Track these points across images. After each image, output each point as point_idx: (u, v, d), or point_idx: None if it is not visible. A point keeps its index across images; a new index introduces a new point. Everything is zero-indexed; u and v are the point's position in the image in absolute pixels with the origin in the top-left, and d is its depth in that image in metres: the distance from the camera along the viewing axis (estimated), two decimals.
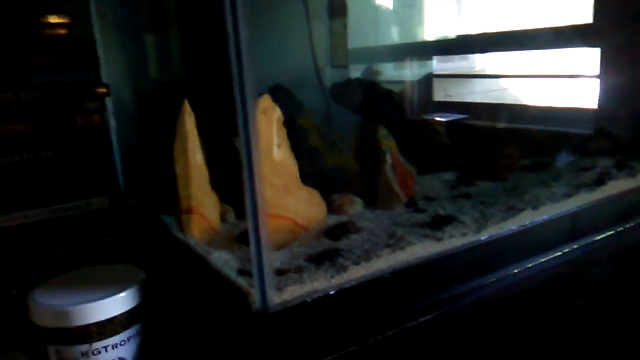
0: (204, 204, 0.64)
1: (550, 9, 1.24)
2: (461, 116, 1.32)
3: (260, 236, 0.47)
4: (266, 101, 0.64)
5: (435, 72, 1.45)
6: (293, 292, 0.50)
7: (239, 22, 0.44)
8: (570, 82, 1.21)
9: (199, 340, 0.55)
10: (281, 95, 0.76)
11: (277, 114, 0.65)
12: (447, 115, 1.36)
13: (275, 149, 0.65)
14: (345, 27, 0.95)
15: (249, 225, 0.47)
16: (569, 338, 0.81)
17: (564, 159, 0.91)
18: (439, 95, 1.46)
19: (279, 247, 0.62)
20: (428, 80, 1.45)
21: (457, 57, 1.58)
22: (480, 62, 1.60)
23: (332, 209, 0.73)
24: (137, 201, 0.82)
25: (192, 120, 0.63)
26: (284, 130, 0.66)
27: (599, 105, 1.03)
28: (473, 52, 1.52)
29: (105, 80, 0.88)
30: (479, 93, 1.51)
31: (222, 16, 0.45)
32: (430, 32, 1.47)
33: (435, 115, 1.37)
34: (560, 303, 0.80)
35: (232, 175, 0.65)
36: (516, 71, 1.37)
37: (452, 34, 1.40)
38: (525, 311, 0.76)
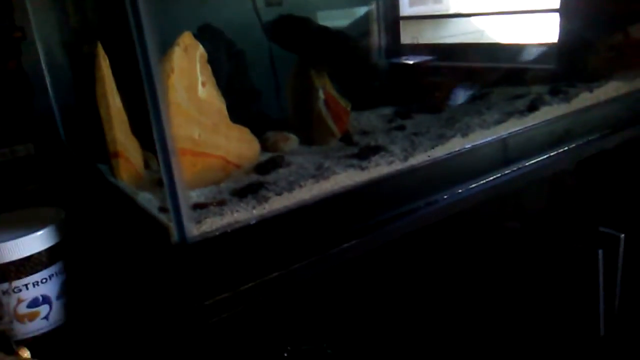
0: (127, 148, 0.64)
1: None
2: (427, 57, 1.32)
3: (172, 171, 0.48)
4: (187, 38, 0.63)
5: (405, 15, 1.44)
6: (212, 224, 0.51)
7: None
8: (538, 18, 1.21)
9: (124, 273, 0.56)
10: (209, 34, 0.75)
11: (199, 51, 0.64)
12: (413, 57, 1.36)
13: (200, 87, 0.64)
14: None
15: (160, 161, 0.48)
16: (503, 261, 0.84)
17: (500, 89, 0.92)
18: (406, 38, 1.45)
19: (211, 184, 0.63)
20: (394, 23, 1.44)
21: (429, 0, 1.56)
22: (454, 4, 1.59)
23: (266, 146, 0.74)
24: (77, 150, 0.82)
25: (106, 63, 0.62)
26: (209, 68, 0.65)
27: (559, 38, 1.04)
28: None
29: (35, 31, 0.86)
30: (452, 35, 1.51)
31: None
32: None
33: (402, 57, 1.37)
34: (494, 226, 0.84)
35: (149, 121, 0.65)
36: (484, 11, 1.36)
37: None
38: (458, 235, 0.79)
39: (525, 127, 0.77)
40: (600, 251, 0.85)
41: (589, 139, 0.84)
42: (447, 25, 1.53)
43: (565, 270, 0.87)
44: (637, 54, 1.00)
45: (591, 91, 0.86)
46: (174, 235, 0.49)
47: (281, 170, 0.64)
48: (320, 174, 0.60)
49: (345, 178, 0.60)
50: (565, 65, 1.03)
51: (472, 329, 0.85)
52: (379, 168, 0.63)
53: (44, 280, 0.50)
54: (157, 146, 0.47)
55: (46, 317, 0.53)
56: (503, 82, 0.97)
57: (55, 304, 0.53)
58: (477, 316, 0.86)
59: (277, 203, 0.55)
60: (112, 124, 0.62)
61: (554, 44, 1.06)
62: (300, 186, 0.57)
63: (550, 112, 0.81)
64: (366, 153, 0.65)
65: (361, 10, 1.37)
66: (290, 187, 0.57)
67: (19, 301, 0.49)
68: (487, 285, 0.84)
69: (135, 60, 0.46)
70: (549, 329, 0.89)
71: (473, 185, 0.71)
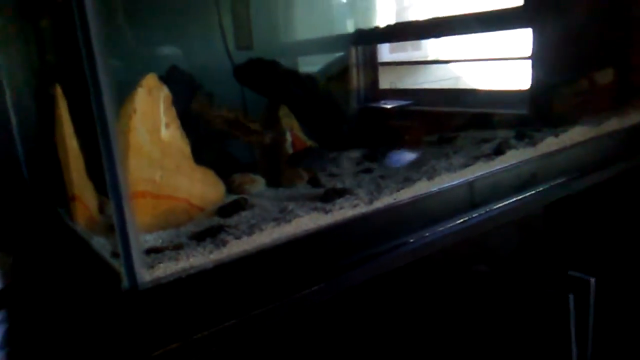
0: (84, 192, 0.63)
1: None
2: (403, 102, 1.35)
3: (124, 215, 0.46)
4: (151, 80, 0.62)
5: (384, 61, 1.47)
6: (166, 269, 0.50)
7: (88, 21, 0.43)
8: (515, 65, 1.24)
9: (73, 321, 0.54)
10: (176, 77, 0.75)
11: (163, 92, 0.64)
12: (390, 101, 1.38)
13: (163, 128, 0.64)
14: (247, 7, 0.95)
15: (112, 206, 0.46)
16: (472, 306, 0.83)
17: (469, 134, 0.93)
18: (384, 84, 1.48)
19: (173, 228, 0.62)
20: (373, 68, 1.47)
21: (409, 46, 1.60)
22: (433, 51, 1.63)
23: (232, 188, 0.73)
24: (40, 193, 0.80)
25: (64, 105, 0.61)
26: (173, 110, 0.65)
27: (532, 84, 1.06)
28: (408, 39, 1.54)
29: (3, 72, 0.85)
30: (430, 81, 1.54)
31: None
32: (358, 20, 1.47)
33: (380, 102, 1.39)
34: (462, 270, 0.83)
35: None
36: (462, 58, 1.40)
37: (386, 22, 1.41)
38: (425, 279, 0.78)
39: (492, 171, 0.78)
40: (571, 296, 0.85)
41: (556, 182, 0.85)
42: (425, 71, 1.57)
43: (536, 315, 0.85)
44: (602, 100, 1.03)
45: (557, 136, 0.87)
46: (124, 281, 0.47)
47: (244, 213, 0.63)
48: (282, 217, 0.59)
49: (308, 221, 0.59)
50: (536, 110, 1.05)
51: None
52: (343, 211, 0.62)
53: None
54: (109, 189, 0.46)
55: None
56: (472, 126, 0.99)
57: None
58: None
59: (236, 247, 0.54)
60: (69, 166, 0.61)
61: (526, 90, 1.08)
62: (261, 230, 0.56)
63: (517, 156, 0.82)
64: (331, 196, 0.64)
65: (341, 56, 1.40)
66: (251, 231, 0.56)
67: None
68: (455, 331, 0.83)
69: (90, 101, 0.45)
70: None
71: (440, 229, 0.70)
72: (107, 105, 0.45)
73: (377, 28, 1.27)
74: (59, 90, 0.61)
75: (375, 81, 1.46)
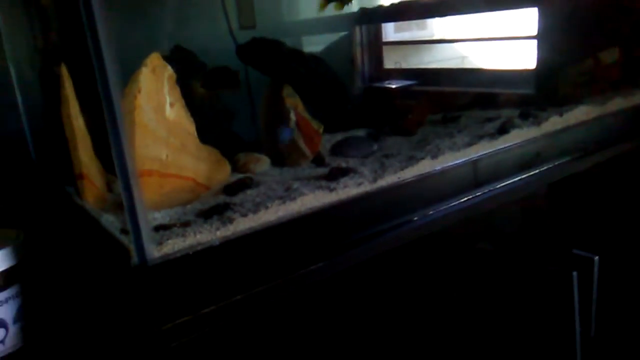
0: (91, 171, 0.63)
1: None
2: (408, 82, 1.34)
3: (132, 192, 0.47)
4: (155, 59, 0.63)
5: (389, 40, 1.46)
6: (175, 245, 0.50)
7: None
8: (521, 44, 1.23)
9: (84, 297, 0.55)
10: (180, 56, 0.75)
11: (167, 72, 0.64)
12: (395, 81, 1.37)
13: (168, 107, 0.64)
14: None
15: (120, 183, 0.47)
16: (476, 283, 0.84)
17: (473, 113, 0.93)
18: (389, 63, 1.47)
19: (179, 206, 0.62)
20: (377, 48, 1.46)
21: (414, 26, 1.59)
22: (438, 30, 1.61)
23: (237, 167, 0.73)
24: (47, 172, 0.81)
25: (70, 84, 0.62)
26: (178, 89, 0.65)
27: (537, 64, 1.06)
28: (412, 18, 1.53)
29: (7, 53, 0.86)
30: (435, 61, 1.53)
31: None
32: None
33: (385, 82, 1.39)
34: (466, 248, 0.83)
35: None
36: (467, 37, 1.39)
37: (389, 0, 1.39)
38: (429, 257, 0.79)
39: (496, 150, 0.78)
40: (574, 273, 0.85)
41: (560, 162, 0.85)
42: (431, 50, 1.56)
43: (540, 292, 0.86)
44: (607, 79, 1.03)
45: (561, 115, 0.87)
46: (134, 257, 0.48)
47: (249, 192, 0.63)
48: (287, 195, 0.60)
49: (312, 199, 0.60)
50: (541, 90, 1.05)
51: (445, 353, 0.84)
52: (347, 190, 0.63)
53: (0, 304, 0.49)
54: (117, 168, 0.47)
55: (2, 341, 0.51)
56: (476, 106, 0.98)
57: (12, 328, 0.51)
58: (450, 340, 0.85)
59: (242, 224, 0.55)
60: (76, 145, 0.62)
61: (532, 70, 1.08)
62: (267, 207, 0.57)
63: (521, 135, 0.82)
64: (335, 174, 0.65)
65: (344, 36, 1.39)
66: (256, 209, 0.56)
67: None
68: (459, 308, 0.84)
69: (94, 80, 0.46)
70: (524, 352, 0.88)
71: (444, 207, 0.71)
72: (112, 84, 0.45)
73: (381, 7, 1.26)
74: (64, 70, 0.61)
75: (379, 61, 1.45)
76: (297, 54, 0.82)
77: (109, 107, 0.45)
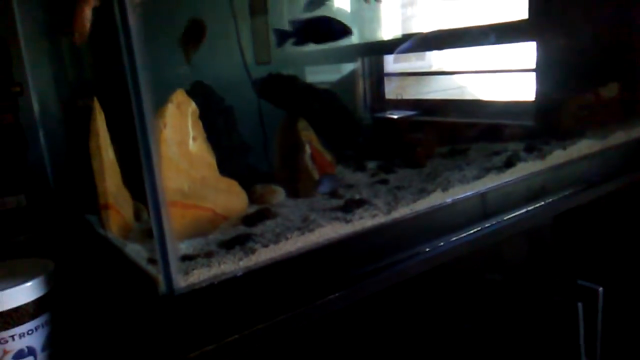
0: (118, 200, 0.66)
1: (488, 8, 1.29)
2: (410, 112, 1.37)
3: (162, 223, 0.49)
4: (180, 95, 0.66)
5: (389, 72, 1.50)
6: (200, 275, 0.52)
7: (132, 37, 0.46)
8: (519, 76, 1.27)
9: (110, 325, 0.56)
10: (200, 91, 0.78)
11: (191, 107, 0.67)
12: (397, 112, 1.41)
13: (191, 141, 0.67)
14: (266, 23, 0.98)
15: (151, 213, 0.49)
16: (484, 312, 0.85)
17: (479, 145, 0.96)
18: (390, 94, 1.51)
19: (199, 236, 0.64)
20: (379, 79, 1.50)
21: (413, 57, 1.63)
22: (437, 61, 1.66)
23: (254, 198, 0.75)
24: (67, 201, 0.83)
25: (102, 117, 0.64)
26: (200, 123, 0.68)
27: (536, 96, 1.09)
28: (418, 51, 1.57)
29: (31, 86, 0.89)
30: (434, 91, 1.57)
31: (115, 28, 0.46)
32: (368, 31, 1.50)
33: (387, 112, 1.42)
34: (475, 278, 0.85)
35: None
36: (466, 69, 1.43)
37: (394, 34, 1.44)
38: (441, 287, 0.80)
39: (503, 183, 0.80)
40: (579, 304, 0.87)
41: (564, 194, 0.88)
42: (430, 81, 1.60)
43: (546, 322, 0.88)
44: (607, 114, 1.06)
45: (564, 149, 0.90)
46: (162, 287, 0.50)
47: (268, 222, 0.66)
48: (305, 226, 0.62)
49: (329, 230, 0.62)
50: (542, 123, 1.08)
51: None
52: (363, 221, 0.65)
53: (30, 332, 0.50)
54: (149, 198, 0.49)
55: None
56: (482, 139, 1.01)
57: (40, 356, 0.52)
58: None
59: (264, 255, 0.57)
60: (104, 176, 0.64)
61: (532, 101, 1.11)
62: (287, 238, 0.59)
63: (526, 168, 0.85)
64: (350, 206, 0.67)
65: (348, 67, 1.43)
66: (277, 239, 0.58)
67: (5, 352, 0.49)
68: (468, 337, 0.85)
69: (131, 114, 0.48)
70: None
71: (454, 238, 0.73)
72: (148, 117, 0.48)
73: (384, 40, 1.30)
74: (96, 103, 0.64)
75: (381, 91, 1.49)
76: (311, 89, 0.85)
77: (144, 139, 0.48)
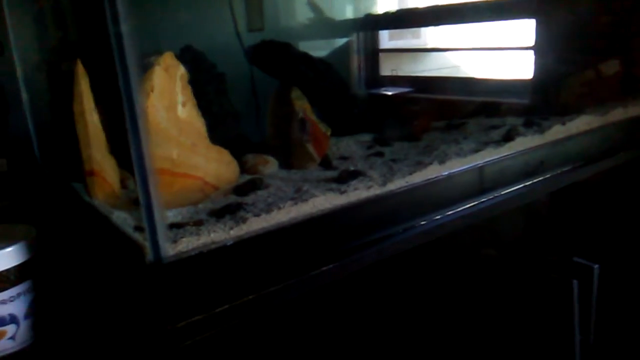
0: (104, 167, 0.63)
1: None
2: (405, 89, 1.35)
3: (149, 190, 0.47)
4: (168, 58, 0.63)
5: (384, 47, 1.47)
6: (189, 243, 0.50)
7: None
8: (515, 54, 1.24)
9: (95, 293, 0.54)
10: (190, 56, 0.75)
11: (180, 71, 0.64)
12: (392, 88, 1.39)
13: (180, 107, 0.64)
14: None
15: (137, 180, 0.47)
16: (479, 288, 0.85)
17: (477, 120, 0.94)
18: (385, 70, 1.48)
19: (189, 205, 0.62)
20: (374, 55, 1.47)
21: (409, 34, 1.60)
22: (432, 39, 1.63)
23: (245, 168, 0.73)
24: (52, 168, 0.80)
25: (85, 81, 0.61)
26: (189, 89, 0.65)
27: (534, 74, 1.07)
28: (415, 26, 1.55)
29: (13, 46, 0.85)
30: (430, 69, 1.55)
31: None
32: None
33: (381, 88, 1.40)
34: (470, 253, 0.84)
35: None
36: (462, 46, 1.41)
37: (391, 8, 1.41)
38: (435, 261, 0.79)
39: (501, 157, 0.79)
40: (575, 282, 0.86)
41: (562, 170, 0.86)
42: (425, 59, 1.58)
43: (541, 299, 0.87)
44: (607, 90, 1.04)
45: (564, 124, 0.88)
46: (149, 255, 0.48)
47: (260, 193, 0.64)
48: (299, 196, 0.60)
49: (324, 201, 0.60)
50: (539, 100, 1.06)
51: (447, 356, 0.84)
52: (358, 192, 0.63)
53: (11, 299, 0.49)
54: (135, 165, 0.47)
55: (13, 337, 0.51)
56: (479, 114, 0.99)
57: (23, 324, 0.51)
58: (451, 343, 0.86)
59: (255, 224, 0.55)
60: (88, 142, 0.62)
61: (528, 79, 1.10)
62: (279, 208, 0.57)
63: (525, 142, 0.83)
64: (345, 177, 0.65)
65: (342, 42, 1.40)
66: (269, 209, 0.56)
67: None
68: (462, 312, 0.84)
69: (115, 78, 0.46)
70: (524, 358, 0.89)
71: (450, 212, 0.71)
72: (133, 80, 0.45)
73: (386, 13, 1.27)
74: (79, 66, 0.61)
75: (376, 67, 1.47)
76: (306, 57, 0.83)
77: (129, 103, 0.45)
